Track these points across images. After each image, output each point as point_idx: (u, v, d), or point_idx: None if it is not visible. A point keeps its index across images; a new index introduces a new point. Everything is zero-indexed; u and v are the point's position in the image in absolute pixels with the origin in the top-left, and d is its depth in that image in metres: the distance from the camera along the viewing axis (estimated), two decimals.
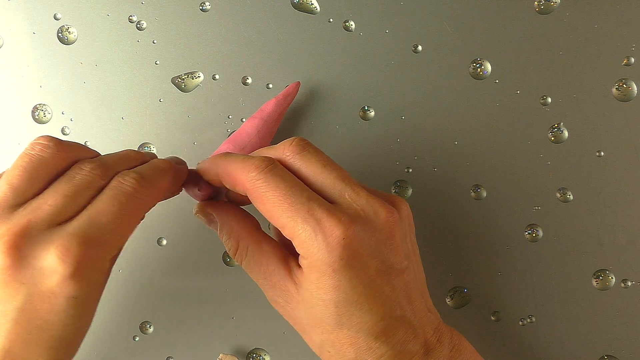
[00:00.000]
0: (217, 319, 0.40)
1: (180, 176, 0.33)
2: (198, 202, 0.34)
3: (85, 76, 0.41)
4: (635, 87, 0.41)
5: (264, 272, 0.30)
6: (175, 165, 0.33)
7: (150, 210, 0.35)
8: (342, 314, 0.27)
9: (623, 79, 0.41)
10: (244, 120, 0.41)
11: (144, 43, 0.42)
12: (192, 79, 0.41)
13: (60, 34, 0.42)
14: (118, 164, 0.30)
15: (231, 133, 0.41)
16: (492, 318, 0.40)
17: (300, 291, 0.29)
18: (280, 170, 0.29)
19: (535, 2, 0.41)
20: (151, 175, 0.30)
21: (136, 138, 0.41)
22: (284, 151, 0.30)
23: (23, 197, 0.26)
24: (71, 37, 0.42)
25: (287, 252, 0.31)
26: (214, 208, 0.33)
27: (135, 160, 0.31)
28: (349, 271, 0.27)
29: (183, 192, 0.35)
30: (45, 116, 0.42)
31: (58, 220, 0.26)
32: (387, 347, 0.27)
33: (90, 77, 0.41)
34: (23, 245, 0.25)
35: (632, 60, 0.41)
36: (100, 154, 0.32)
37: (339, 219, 0.27)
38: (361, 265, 0.27)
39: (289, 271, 0.29)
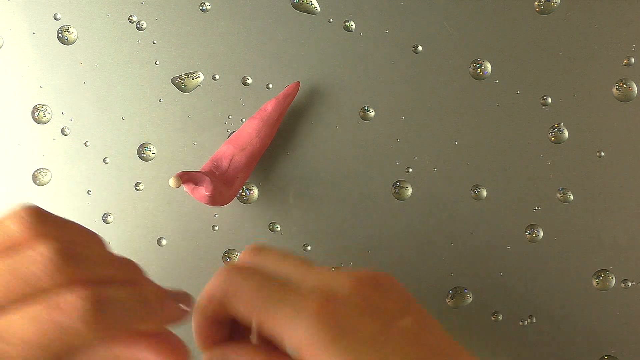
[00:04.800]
0: None
1: (169, 316, 0.25)
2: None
3: (85, 76, 0.41)
4: (635, 87, 0.41)
5: None
6: (168, 301, 0.25)
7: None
8: None
9: (623, 79, 0.41)
10: (244, 120, 0.41)
11: (144, 43, 0.42)
12: (192, 79, 0.41)
13: (60, 34, 0.42)
14: (93, 266, 0.23)
15: (231, 133, 0.41)
16: (492, 318, 0.40)
17: None
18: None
19: (535, 2, 0.41)
20: (113, 304, 0.22)
21: (136, 138, 0.41)
22: (244, 260, 0.27)
23: None
24: (71, 37, 0.42)
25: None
26: (229, 350, 0.26)
27: (124, 274, 0.24)
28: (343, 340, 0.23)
29: (183, 192, 0.35)
30: (45, 116, 0.42)
31: None
32: None
33: (90, 77, 0.41)
34: None
35: (632, 60, 0.41)
36: (95, 237, 0.25)
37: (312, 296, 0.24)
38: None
39: None
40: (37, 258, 0.21)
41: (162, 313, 0.24)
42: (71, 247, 0.22)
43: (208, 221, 0.41)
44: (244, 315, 0.24)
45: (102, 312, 0.21)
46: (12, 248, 0.22)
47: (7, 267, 0.21)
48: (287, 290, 0.24)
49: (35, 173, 0.41)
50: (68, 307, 0.21)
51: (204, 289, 0.25)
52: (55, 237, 0.22)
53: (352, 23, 0.41)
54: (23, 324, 0.21)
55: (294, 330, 0.23)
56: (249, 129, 0.39)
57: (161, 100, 0.41)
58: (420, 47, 0.41)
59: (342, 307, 0.24)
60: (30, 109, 0.42)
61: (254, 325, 0.25)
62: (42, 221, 0.23)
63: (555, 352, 0.40)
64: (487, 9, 0.41)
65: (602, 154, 0.41)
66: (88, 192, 0.41)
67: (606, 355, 0.40)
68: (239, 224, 0.41)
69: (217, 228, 0.41)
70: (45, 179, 0.41)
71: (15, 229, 0.22)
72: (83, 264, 0.22)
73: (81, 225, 0.25)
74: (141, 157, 0.41)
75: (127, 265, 0.25)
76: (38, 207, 0.23)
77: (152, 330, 0.25)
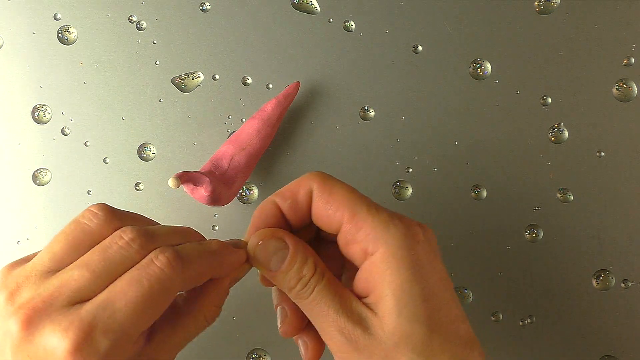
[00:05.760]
0: (217, 319, 0.40)
1: (231, 261, 0.29)
2: (267, 232, 0.30)
3: (85, 76, 0.41)
4: (635, 87, 0.41)
5: (340, 297, 0.27)
6: (229, 248, 0.29)
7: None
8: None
9: (623, 79, 0.41)
10: (244, 120, 0.41)
11: (144, 43, 0.42)
12: (192, 79, 0.41)
13: (60, 34, 0.42)
14: (166, 237, 0.27)
15: (231, 133, 0.41)
16: (492, 318, 0.40)
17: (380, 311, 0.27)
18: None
19: (535, 2, 0.41)
20: (191, 256, 0.26)
21: (136, 138, 0.41)
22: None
23: (60, 264, 0.26)
24: (71, 37, 0.42)
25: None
26: (285, 234, 0.29)
27: (190, 237, 0.29)
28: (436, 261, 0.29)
29: (183, 192, 0.35)
30: (45, 116, 0.42)
31: (80, 298, 0.25)
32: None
33: (90, 77, 0.41)
34: (37, 322, 0.24)
35: (632, 60, 0.41)
36: (157, 224, 0.29)
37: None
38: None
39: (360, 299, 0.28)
40: (121, 242, 0.25)
41: (228, 259, 0.28)
42: (143, 227, 0.26)
43: (208, 221, 0.41)
44: (330, 212, 0.27)
45: (180, 258, 0.25)
46: (95, 242, 0.26)
47: (99, 257, 0.25)
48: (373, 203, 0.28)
49: (35, 173, 0.41)
50: (158, 262, 0.25)
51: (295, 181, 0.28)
52: (127, 223, 0.27)
53: (352, 23, 0.41)
54: (124, 288, 0.24)
55: (387, 234, 0.27)
56: (249, 129, 0.39)
57: (161, 100, 0.41)
58: (420, 47, 0.41)
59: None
60: (30, 109, 0.42)
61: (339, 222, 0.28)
62: (113, 214, 0.27)
63: (555, 352, 0.40)
64: (487, 9, 0.41)
65: (602, 154, 0.41)
66: (88, 192, 0.41)
67: (606, 355, 0.40)
68: (239, 224, 0.41)
69: (217, 228, 0.41)
70: (45, 179, 0.41)
71: (93, 226, 0.26)
72: (157, 236, 0.26)
73: (141, 215, 0.29)
74: (141, 157, 0.41)
75: (189, 231, 0.29)
76: (105, 204, 0.27)
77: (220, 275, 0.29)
